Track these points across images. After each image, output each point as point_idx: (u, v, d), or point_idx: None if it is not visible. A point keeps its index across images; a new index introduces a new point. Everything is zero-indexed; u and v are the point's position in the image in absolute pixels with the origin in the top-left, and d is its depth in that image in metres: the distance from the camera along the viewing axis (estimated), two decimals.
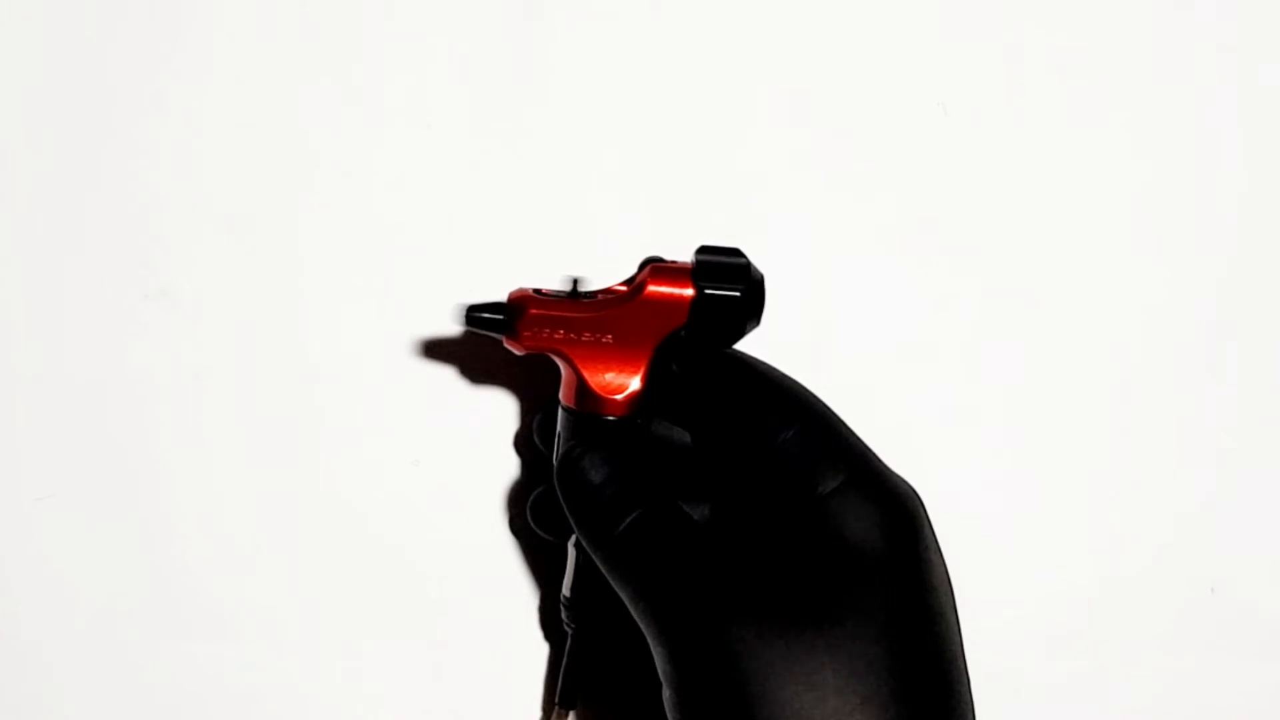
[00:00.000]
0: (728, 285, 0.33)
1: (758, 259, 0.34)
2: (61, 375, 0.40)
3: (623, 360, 0.33)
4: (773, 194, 0.40)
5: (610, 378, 0.33)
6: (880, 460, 0.32)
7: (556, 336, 0.33)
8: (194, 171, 0.40)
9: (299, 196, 0.40)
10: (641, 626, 0.30)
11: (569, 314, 0.33)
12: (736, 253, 0.33)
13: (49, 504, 0.40)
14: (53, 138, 0.40)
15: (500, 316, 0.34)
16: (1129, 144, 0.41)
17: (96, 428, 0.40)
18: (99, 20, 0.40)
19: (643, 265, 0.34)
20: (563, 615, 0.36)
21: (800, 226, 0.40)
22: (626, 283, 0.34)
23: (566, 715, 0.37)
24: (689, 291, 0.33)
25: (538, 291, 0.34)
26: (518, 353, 0.34)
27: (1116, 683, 0.41)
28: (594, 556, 0.31)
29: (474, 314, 0.34)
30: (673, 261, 0.34)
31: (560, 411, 0.34)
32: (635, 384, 0.33)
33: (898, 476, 0.31)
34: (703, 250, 0.34)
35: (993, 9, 0.40)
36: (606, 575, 0.31)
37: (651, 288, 0.33)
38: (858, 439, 0.32)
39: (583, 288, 0.34)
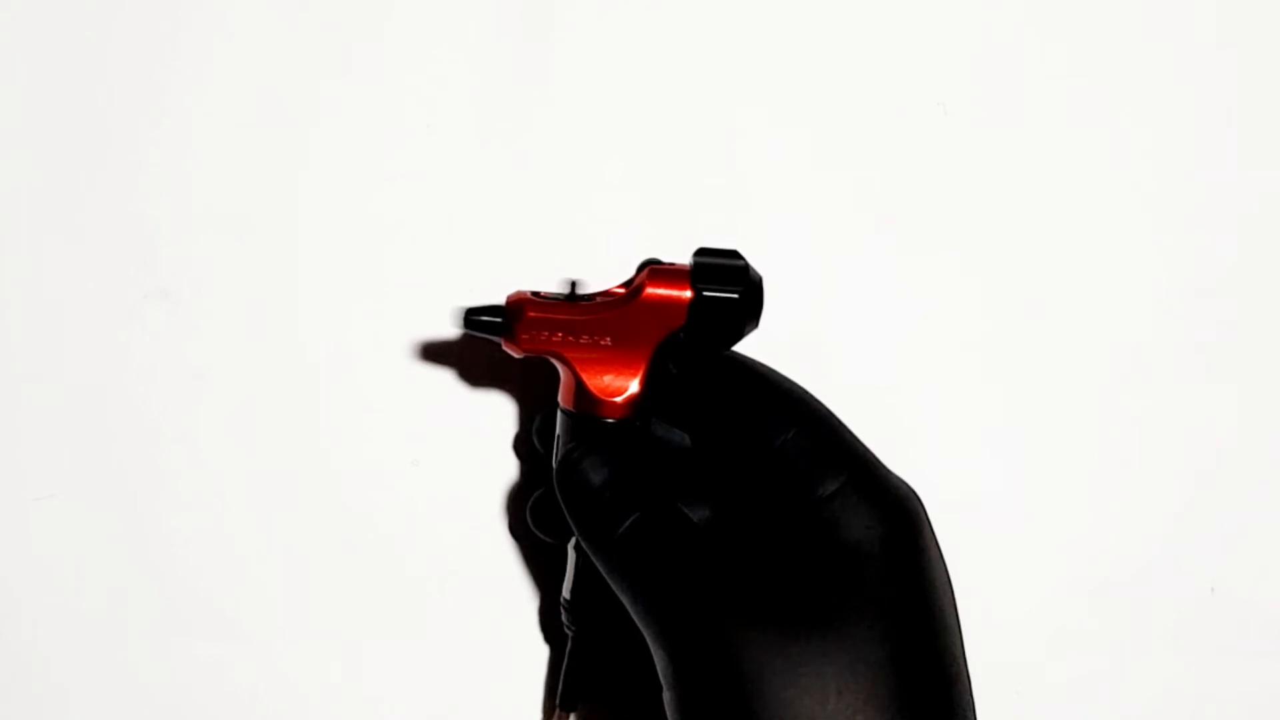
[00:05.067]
0: (726, 287, 0.33)
1: (757, 260, 0.33)
2: (61, 375, 0.40)
3: (621, 362, 0.33)
4: (772, 194, 0.40)
5: (609, 380, 0.33)
6: (880, 462, 0.32)
7: (554, 339, 0.33)
8: (194, 171, 0.40)
9: (299, 197, 0.40)
10: (641, 629, 0.30)
11: (567, 316, 0.33)
12: (735, 254, 0.33)
13: (49, 504, 0.40)
14: (52, 138, 0.39)
15: (498, 319, 0.34)
16: (1129, 143, 0.41)
17: (96, 428, 0.40)
18: (99, 20, 0.40)
19: (641, 267, 0.34)
20: (563, 618, 0.36)
21: (800, 227, 0.40)
22: (625, 285, 0.34)
23: (567, 718, 0.37)
24: (687, 294, 0.33)
25: (535, 294, 0.34)
26: (516, 355, 0.34)
27: (1117, 683, 0.41)
28: (594, 559, 0.31)
29: (472, 317, 0.34)
30: (671, 264, 0.34)
31: (559, 414, 0.34)
32: (634, 386, 0.33)
33: (897, 478, 0.31)
34: (701, 252, 0.33)
35: (993, 9, 0.40)
36: (606, 578, 0.31)
37: (650, 290, 0.33)
38: (857, 440, 0.32)
39: (580, 290, 0.34)
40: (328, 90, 0.40)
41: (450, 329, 0.39)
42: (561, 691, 0.37)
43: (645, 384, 0.33)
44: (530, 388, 0.40)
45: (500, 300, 0.34)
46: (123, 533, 0.40)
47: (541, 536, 0.36)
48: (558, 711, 0.37)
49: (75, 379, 0.40)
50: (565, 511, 0.32)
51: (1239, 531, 0.41)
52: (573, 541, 0.36)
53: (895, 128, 0.40)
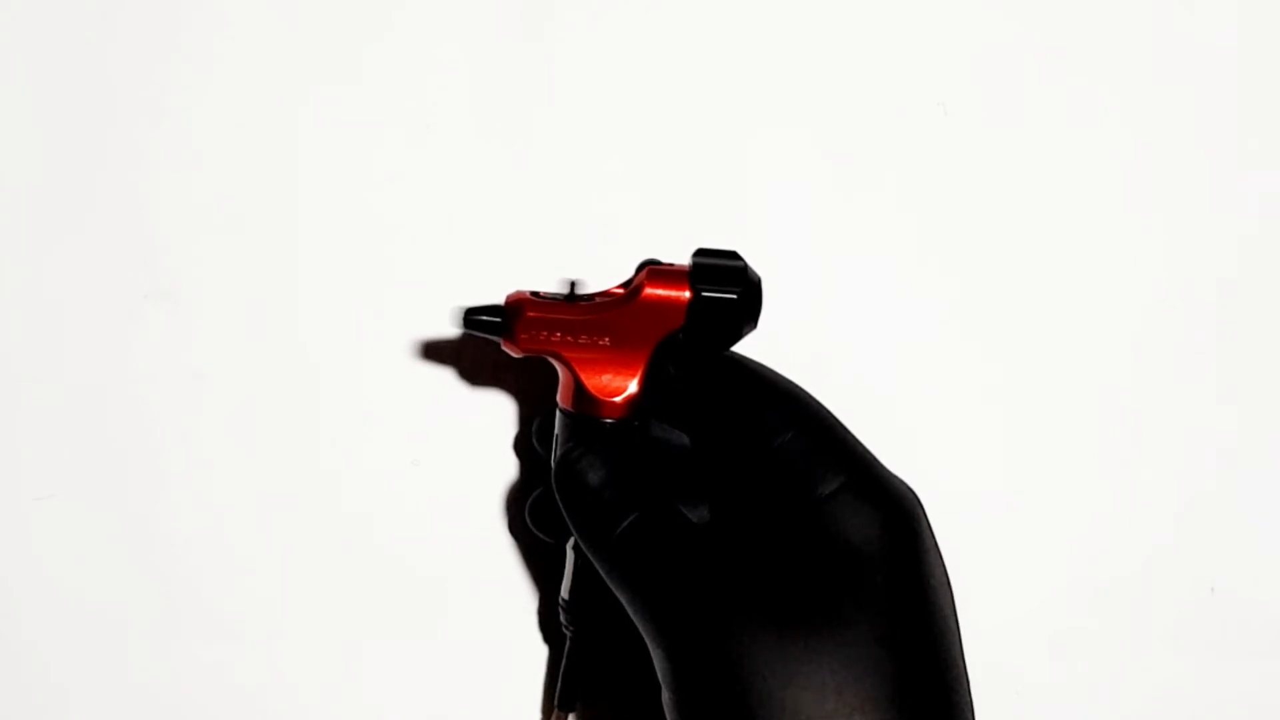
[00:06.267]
0: (725, 288, 0.33)
1: (757, 260, 0.33)
2: (61, 375, 0.40)
3: (620, 363, 0.33)
4: (773, 195, 0.40)
5: (607, 380, 0.33)
6: (879, 462, 0.32)
7: (553, 339, 0.33)
8: (194, 172, 0.40)
9: (299, 197, 0.40)
10: (640, 629, 0.30)
11: (566, 316, 0.33)
12: (734, 255, 0.33)
13: (49, 504, 0.40)
14: (53, 138, 0.40)
15: (497, 319, 0.34)
16: (1129, 143, 0.41)
17: (96, 428, 0.40)
18: (99, 20, 0.40)
19: (640, 268, 0.34)
20: (561, 618, 0.36)
21: (800, 227, 0.40)
22: (624, 285, 0.34)
23: (565, 718, 0.37)
24: (686, 294, 0.33)
25: (535, 294, 0.34)
26: (515, 355, 0.34)
27: (1116, 683, 0.41)
28: (592, 559, 0.31)
29: (471, 316, 0.34)
30: (670, 264, 0.34)
31: (558, 414, 0.34)
32: (632, 387, 0.33)
33: (896, 478, 0.31)
34: (700, 253, 0.33)
35: (993, 9, 0.40)
36: (605, 578, 0.31)
37: (649, 290, 0.33)
38: (856, 441, 0.32)
39: (580, 290, 0.34)
40: (328, 90, 0.40)
41: (450, 329, 0.39)
42: (560, 691, 0.37)
43: (644, 384, 0.33)
44: (529, 388, 0.40)
45: (500, 300, 0.34)
46: (123, 533, 0.40)
47: (540, 536, 0.36)
48: (556, 711, 0.37)
49: (75, 379, 0.40)
50: (563, 512, 0.32)
51: (1239, 531, 0.41)
52: (571, 541, 0.36)
53: (895, 128, 0.40)
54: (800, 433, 0.31)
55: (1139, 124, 0.41)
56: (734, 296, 0.32)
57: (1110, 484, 0.41)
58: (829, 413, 0.32)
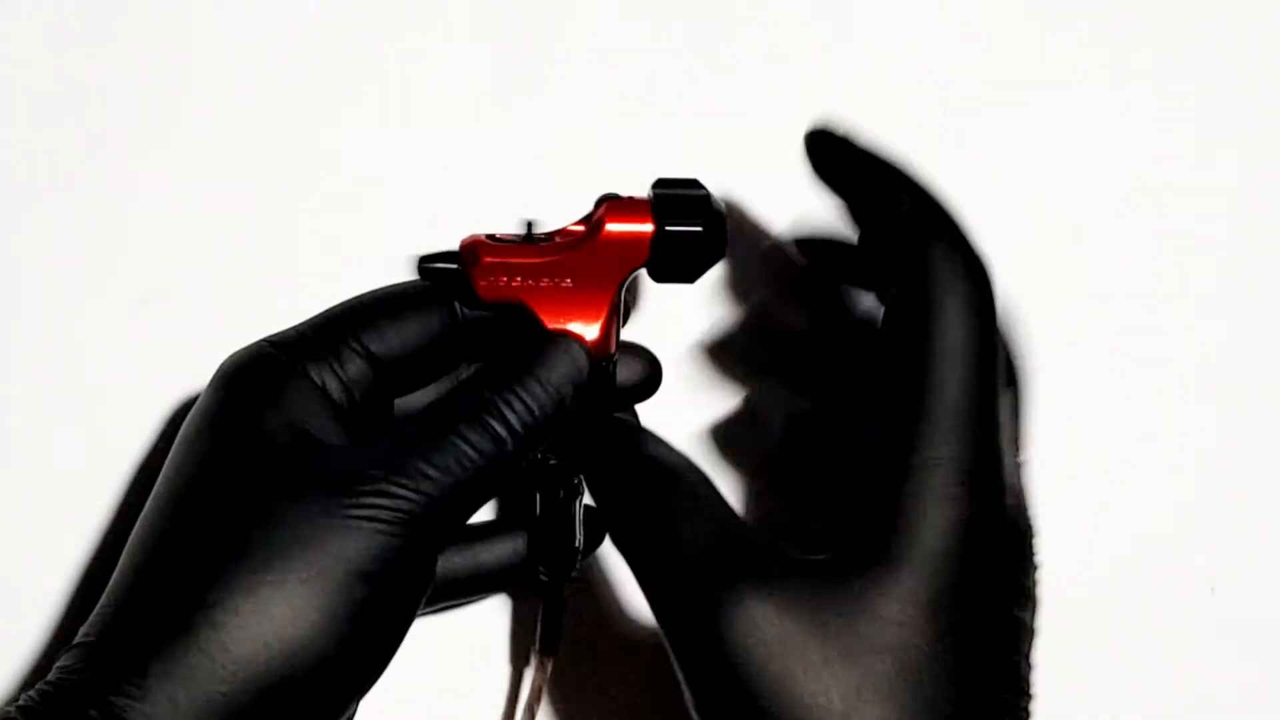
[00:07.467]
0: (689, 220, 0.31)
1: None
2: (61, 375, 0.40)
3: (584, 305, 0.32)
4: (772, 194, 0.40)
5: (572, 325, 0.32)
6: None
7: (514, 284, 0.32)
8: (193, 171, 0.40)
9: (300, 196, 0.40)
10: (645, 596, 0.28)
11: (525, 260, 0.32)
12: (696, 184, 0.32)
13: (49, 503, 0.40)
14: (52, 137, 0.39)
15: (453, 265, 0.32)
16: (1130, 143, 0.41)
17: (96, 428, 0.40)
18: (99, 20, 0.40)
19: (599, 202, 0.32)
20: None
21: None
22: (583, 221, 0.33)
23: (548, 662, 0.35)
24: (648, 228, 0.31)
25: (491, 237, 0.32)
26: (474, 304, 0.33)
27: (1117, 682, 0.41)
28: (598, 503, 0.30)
29: (425, 265, 0.33)
30: (630, 196, 0.32)
31: None
32: (598, 329, 0.32)
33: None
34: (660, 184, 0.32)
35: (993, 9, 0.40)
36: (610, 537, 0.30)
37: (610, 226, 0.31)
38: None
39: (537, 230, 0.33)
40: (329, 89, 0.40)
41: None
42: (540, 636, 0.34)
43: (609, 324, 0.32)
44: None
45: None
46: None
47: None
48: (538, 656, 0.35)
49: (75, 379, 0.40)
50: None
51: (1239, 531, 0.41)
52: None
53: (895, 128, 0.40)
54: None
55: (1140, 124, 0.41)
56: (699, 229, 0.31)
57: (1109, 483, 0.41)
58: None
